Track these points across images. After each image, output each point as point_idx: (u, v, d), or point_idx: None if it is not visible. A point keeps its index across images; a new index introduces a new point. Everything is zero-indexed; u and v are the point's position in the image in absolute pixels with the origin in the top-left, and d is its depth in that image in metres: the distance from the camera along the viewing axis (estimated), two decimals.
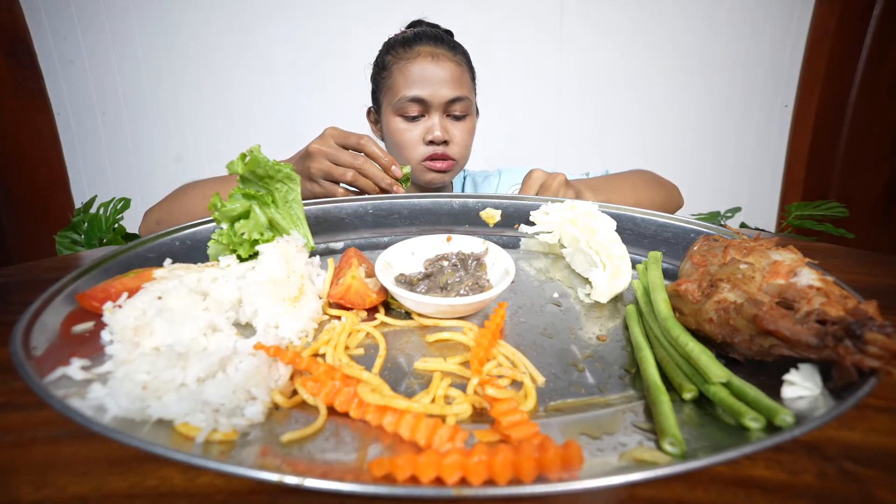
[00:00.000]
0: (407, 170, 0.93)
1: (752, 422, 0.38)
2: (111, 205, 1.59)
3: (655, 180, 1.22)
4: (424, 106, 1.14)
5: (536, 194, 0.95)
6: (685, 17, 2.22)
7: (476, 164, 1.45)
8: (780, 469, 0.37)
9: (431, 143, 1.15)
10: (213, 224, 0.74)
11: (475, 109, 1.27)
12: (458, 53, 1.19)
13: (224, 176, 1.01)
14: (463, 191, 1.35)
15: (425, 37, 1.18)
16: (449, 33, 1.27)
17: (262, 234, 0.67)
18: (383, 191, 0.92)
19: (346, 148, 0.91)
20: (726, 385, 0.42)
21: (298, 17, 2.20)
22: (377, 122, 1.30)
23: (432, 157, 1.16)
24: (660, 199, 1.17)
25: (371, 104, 1.31)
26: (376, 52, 1.26)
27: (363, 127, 1.46)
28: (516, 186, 1.32)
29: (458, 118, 1.17)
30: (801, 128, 2.32)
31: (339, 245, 0.84)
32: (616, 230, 0.71)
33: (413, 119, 1.16)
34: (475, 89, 1.27)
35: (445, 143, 1.16)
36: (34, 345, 0.47)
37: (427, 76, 1.14)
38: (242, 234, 0.66)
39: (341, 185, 0.93)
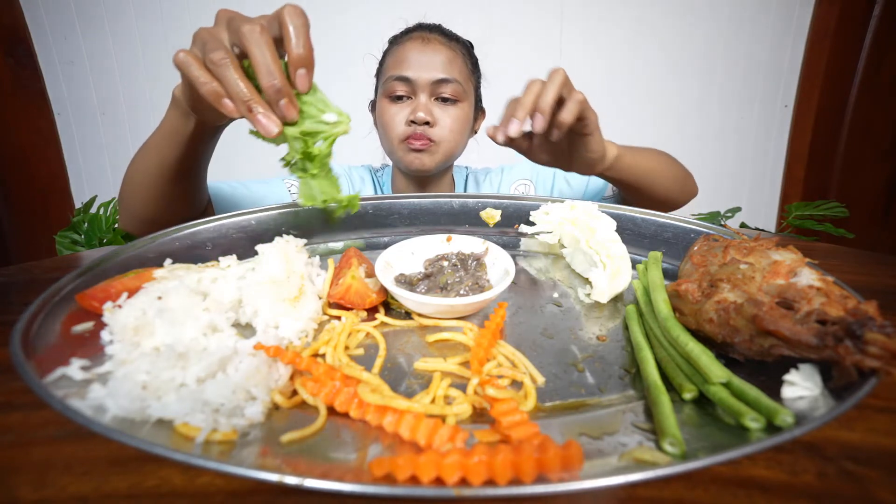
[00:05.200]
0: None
1: (752, 422, 0.38)
2: (111, 205, 1.60)
3: (675, 161, 1.17)
4: (410, 86, 1.11)
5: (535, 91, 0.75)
6: (685, 17, 2.22)
7: (478, 163, 1.44)
8: (780, 469, 0.37)
9: (413, 123, 1.11)
10: (213, 224, 0.74)
11: (473, 101, 1.22)
12: (454, 42, 1.16)
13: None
14: (466, 189, 1.34)
15: (422, 27, 1.17)
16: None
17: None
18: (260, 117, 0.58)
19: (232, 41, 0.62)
20: (726, 385, 0.42)
21: None
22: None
23: (413, 137, 1.12)
24: (681, 173, 1.13)
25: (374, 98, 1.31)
26: (376, 51, 1.26)
27: (364, 125, 1.46)
28: (520, 182, 1.31)
29: (446, 101, 1.13)
30: (801, 128, 2.32)
31: (339, 245, 0.84)
32: (616, 230, 0.71)
33: (399, 99, 1.13)
34: (476, 83, 1.24)
35: (428, 124, 1.11)
36: (34, 345, 0.46)
37: (415, 57, 1.11)
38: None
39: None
